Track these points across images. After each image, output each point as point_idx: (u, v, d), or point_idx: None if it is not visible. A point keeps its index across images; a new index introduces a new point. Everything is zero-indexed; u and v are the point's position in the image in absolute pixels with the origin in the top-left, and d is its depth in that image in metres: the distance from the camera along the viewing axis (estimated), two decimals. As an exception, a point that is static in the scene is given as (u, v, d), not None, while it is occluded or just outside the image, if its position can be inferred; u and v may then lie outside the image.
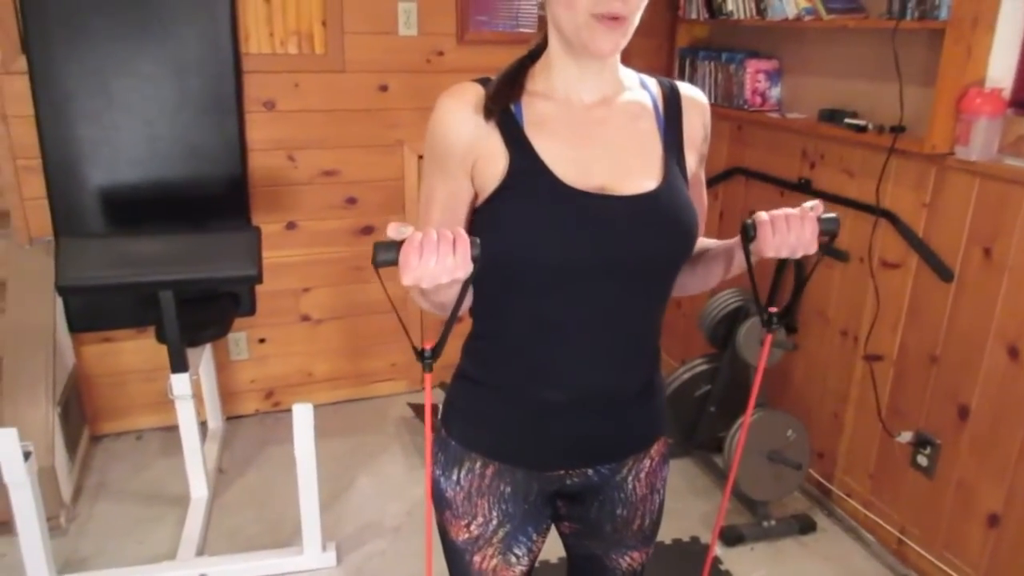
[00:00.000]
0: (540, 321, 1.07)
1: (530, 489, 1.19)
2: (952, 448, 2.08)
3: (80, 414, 2.79)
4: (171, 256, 2.21)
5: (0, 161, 2.55)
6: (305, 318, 3.05)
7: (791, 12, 2.37)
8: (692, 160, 1.14)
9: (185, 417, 2.35)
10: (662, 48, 3.15)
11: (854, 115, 2.29)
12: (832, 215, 1.04)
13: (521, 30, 2.99)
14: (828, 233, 1.04)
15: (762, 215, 1.04)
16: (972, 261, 1.97)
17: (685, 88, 1.16)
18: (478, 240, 0.91)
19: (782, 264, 1.08)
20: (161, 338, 2.46)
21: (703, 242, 1.20)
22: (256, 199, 2.82)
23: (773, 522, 2.40)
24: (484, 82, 1.08)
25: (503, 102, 1.05)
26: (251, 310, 2.89)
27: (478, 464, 1.17)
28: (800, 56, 2.58)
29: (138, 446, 2.89)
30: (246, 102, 2.70)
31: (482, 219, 1.06)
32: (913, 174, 2.10)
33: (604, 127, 1.07)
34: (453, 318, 0.98)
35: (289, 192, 2.88)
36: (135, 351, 2.85)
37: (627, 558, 1.30)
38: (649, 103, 1.12)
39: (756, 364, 2.39)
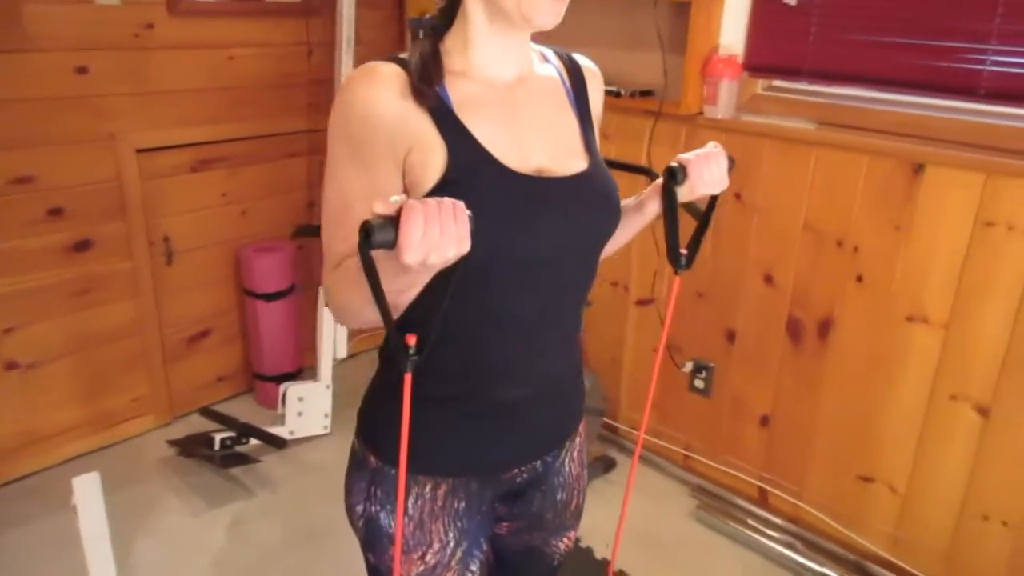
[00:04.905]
0: (495, 315, 1.01)
1: (483, 498, 1.14)
2: (724, 368, 2.41)
3: None
4: None
5: None
6: (12, 365, 2.42)
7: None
8: (598, 131, 1.15)
9: None
10: (390, 18, 3.06)
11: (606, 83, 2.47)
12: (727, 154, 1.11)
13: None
14: (729, 169, 1.11)
15: (685, 157, 1.07)
16: (727, 205, 2.27)
17: (583, 60, 1.17)
18: (470, 212, 0.79)
19: (672, 210, 1.11)
20: None
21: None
22: (-81, 223, 2.15)
23: (584, 468, 2.56)
24: (395, 61, 0.95)
25: (433, 82, 0.95)
26: (-67, 368, 2.22)
27: (428, 487, 1.08)
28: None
29: None
30: None
31: None
32: (668, 134, 2.35)
33: (527, 106, 1.03)
34: (441, 308, 0.86)
35: (-33, 209, 2.24)
36: None
37: (565, 539, 1.31)
38: (557, 78, 1.11)
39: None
